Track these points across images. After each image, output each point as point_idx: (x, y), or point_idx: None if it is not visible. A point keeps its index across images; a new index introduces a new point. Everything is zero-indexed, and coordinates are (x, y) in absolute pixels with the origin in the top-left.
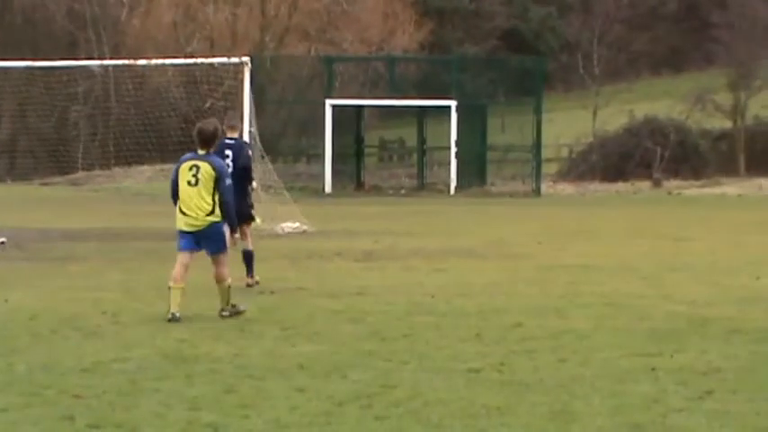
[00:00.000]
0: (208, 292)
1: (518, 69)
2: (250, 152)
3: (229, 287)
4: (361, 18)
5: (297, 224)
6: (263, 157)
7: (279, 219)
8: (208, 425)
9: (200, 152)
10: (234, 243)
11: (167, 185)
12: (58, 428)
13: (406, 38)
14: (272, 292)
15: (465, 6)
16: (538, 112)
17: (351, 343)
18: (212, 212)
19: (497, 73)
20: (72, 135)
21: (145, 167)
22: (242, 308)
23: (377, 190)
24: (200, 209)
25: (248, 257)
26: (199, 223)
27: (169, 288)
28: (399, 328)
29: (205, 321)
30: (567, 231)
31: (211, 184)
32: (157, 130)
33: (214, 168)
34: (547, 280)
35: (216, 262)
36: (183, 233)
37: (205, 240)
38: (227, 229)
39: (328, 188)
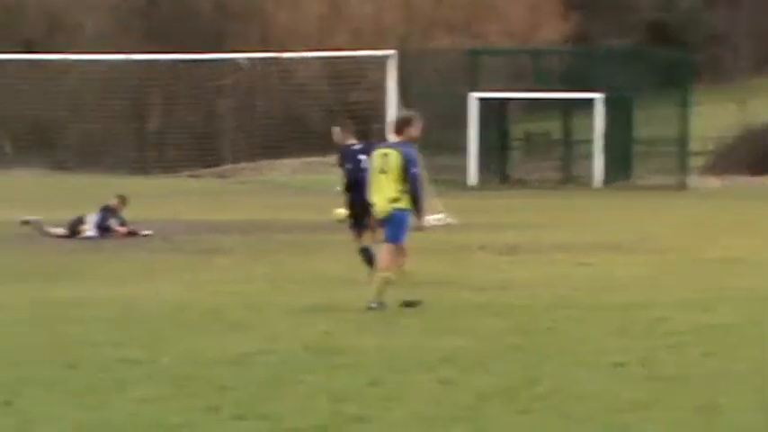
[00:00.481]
0: (355, 282)
1: (665, 61)
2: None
3: (387, 280)
4: (506, 11)
5: (440, 216)
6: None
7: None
8: (351, 417)
9: (393, 140)
10: (421, 228)
11: (311, 178)
12: (203, 419)
13: (551, 30)
14: (416, 285)
15: None
16: (685, 104)
17: (494, 336)
18: (397, 200)
19: (644, 65)
20: (219, 128)
21: (289, 160)
22: (387, 305)
23: (522, 183)
24: (386, 196)
25: (368, 255)
26: (384, 210)
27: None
28: (543, 322)
29: (350, 313)
30: (715, 225)
31: (399, 173)
32: (302, 122)
33: (402, 156)
34: (693, 274)
35: (385, 249)
36: (383, 221)
37: (386, 226)
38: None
39: (473, 181)
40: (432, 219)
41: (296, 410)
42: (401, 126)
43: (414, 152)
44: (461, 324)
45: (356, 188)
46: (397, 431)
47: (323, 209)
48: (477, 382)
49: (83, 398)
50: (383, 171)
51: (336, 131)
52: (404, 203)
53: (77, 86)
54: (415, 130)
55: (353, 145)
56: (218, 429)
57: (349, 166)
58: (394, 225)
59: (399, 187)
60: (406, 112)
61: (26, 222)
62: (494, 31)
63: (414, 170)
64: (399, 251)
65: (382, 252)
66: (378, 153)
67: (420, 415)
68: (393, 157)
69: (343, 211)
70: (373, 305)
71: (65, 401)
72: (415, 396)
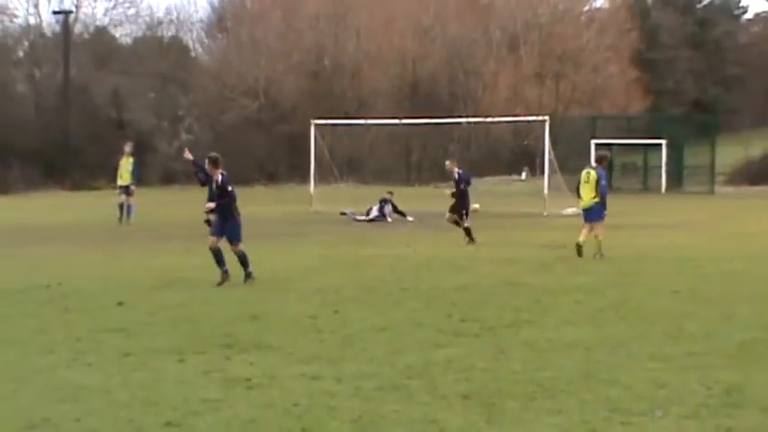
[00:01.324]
0: (532, 245)
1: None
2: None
3: (600, 240)
4: None
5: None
6: None
7: None
8: (525, 320)
9: (594, 165)
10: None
11: None
12: (442, 321)
13: None
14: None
15: None
16: (713, 145)
17: (606, 276)
18: (594, 198)
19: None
20: None
21: None
22: (605, 254)
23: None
24: (588, 196)
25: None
26: (587, 203)
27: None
28: (633, 267)
29: (528, 262)
30: (731, 213)
31: (594, 183)
32: None
33: (597, 174)
34: (719, 241)
35: (593, 227)
36: (583, 210)
37: (588, 214)
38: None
39: None
40: (569, 210)
41: (494, 316)
42: (600, 160)
43: (603, 172)
44: (589, 269)
45: (465, 194)
46: (552, 328)
47: None
48: (595, 302)
49: (376, 308)
50: (586, 182)
51: (447, 163)
52: (598, 199)
53: None
54: (605, 162)
55: (460, 171)
56: (451, 327)
57: (464, 184)
58: (594, 212)
59: (594, 192)
60: (600, 153)
61: (343, 213)
62: None
63: (603, 182)
64: (601, 225)
65: (594, 228)
66: (584, 171)
67: (565, 319)
68: (592, 174)
69: (476, 205)
70: (598, 256)
71: (366, 310)
72: (560, 309)
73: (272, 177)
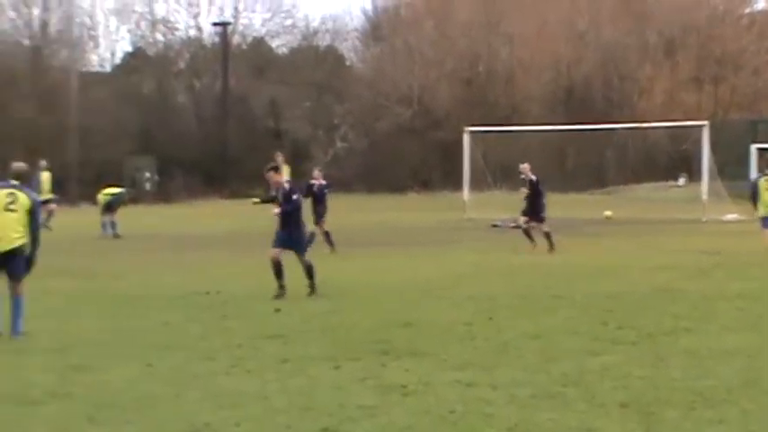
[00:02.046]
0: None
1: None
2: None
3: None
4: None
5: (734, 215)
6: None
7: None
8: (683, 328)
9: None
10: None
11: None
12: (598, 328)
13: None
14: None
15: None
16: None
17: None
18: None
19: None
20: None
21: None
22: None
23: None
24: None
25: None
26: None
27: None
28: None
29: (683, 269)
30: None
31: None
32: None
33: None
34: None
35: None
36: (765, 218)
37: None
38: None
39: None
40: (729, 216)
41: (651, 323)
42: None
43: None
44: (749, 275)
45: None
46: (712, 336)
47: None
48: (757, 308)
49: (529, 315)
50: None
51: (524, 166)
52: None
53: None
54: None
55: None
56: (608, 334)
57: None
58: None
59: None
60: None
61: (495, 225)
62: None
63: None
64: None
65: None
66: (762, 179)
67: (726, 326)
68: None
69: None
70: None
71: (520, 317)
72: (720, 316)
73: (425, 184)
